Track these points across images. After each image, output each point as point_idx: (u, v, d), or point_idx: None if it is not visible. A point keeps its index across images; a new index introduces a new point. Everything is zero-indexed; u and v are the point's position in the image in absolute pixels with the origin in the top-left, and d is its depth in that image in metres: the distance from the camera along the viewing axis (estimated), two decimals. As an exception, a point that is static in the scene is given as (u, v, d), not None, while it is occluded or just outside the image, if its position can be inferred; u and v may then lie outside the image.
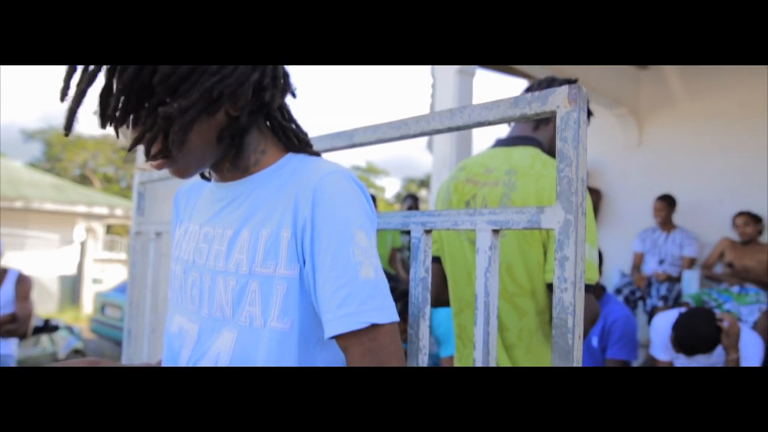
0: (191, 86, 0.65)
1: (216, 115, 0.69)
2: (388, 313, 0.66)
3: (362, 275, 0.66)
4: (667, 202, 3.93)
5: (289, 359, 0.69)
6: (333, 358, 0.73)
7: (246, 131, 0.74)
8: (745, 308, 3.32)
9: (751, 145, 3.81)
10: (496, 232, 0.84)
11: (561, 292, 0.74)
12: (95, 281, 10.34)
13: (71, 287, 10.21)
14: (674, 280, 3.77)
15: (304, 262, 0.68)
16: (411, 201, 4.98)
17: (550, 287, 1.20)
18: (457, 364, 1.38)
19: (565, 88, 0.76)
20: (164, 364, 0.82)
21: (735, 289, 3.49)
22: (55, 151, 20.52)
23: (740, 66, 3.79)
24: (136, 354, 1.55)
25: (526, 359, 1.23)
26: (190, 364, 0.74)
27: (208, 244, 0.75)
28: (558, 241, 0.75)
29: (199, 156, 0.71)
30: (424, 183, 23.36)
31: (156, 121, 0.65)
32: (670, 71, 4.12)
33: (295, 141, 0.79)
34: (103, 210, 10.66)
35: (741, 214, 3.68)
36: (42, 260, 9.76)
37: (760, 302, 3.33)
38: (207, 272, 0.74)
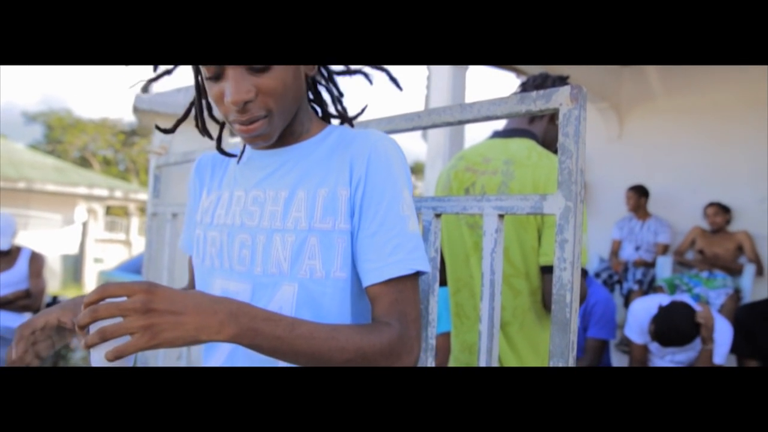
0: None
1: (302, 76, 0.77)
2: (427, 264, 0.75)
3: (410, 228, 0.74)
4: (636, 192, 4.12)
5: (346, 306, 0.76)
6: (368, 306, 0.79)
7: (308, 97, 0.81)
8: (713, 292, 3.51)
9: (722, 141, 4.00)
10: (501, 216, 0.93)
11: (560, 271, 0.83)
12: (96, 260, 10.57)
13: (73, 266, 10.42)
14: (649, 265, 3.96)
15: (353, 215, 0.75)
16: (401, 187, 5.07)
17: (542, 269, 1.30)
18: (454, 339, 1.49)
19: (567, 88, 0.84)
20: None
21: (704, 274, 3.68)
22: (56, 134, 20.73)
23: (714, 67, 3.95)
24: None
25: (519, 335, 1.33)
26: None
27: (260, 206, 0.79)
28: (559, 225, 0.84)
29: (288, 115, 0.76)
30: (413, 170, 23.60)
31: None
32: (650, 70, 4.27)
33: (341, 114, 0.86)
34: (103, 192, 10.91)
35: (711, 204, 3.87)
36: (45, 240, 9.90)
37: (726, 287, 3.53)
38: (261, 232, 0.78)
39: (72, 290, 9.63)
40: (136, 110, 2.18)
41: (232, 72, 0.71)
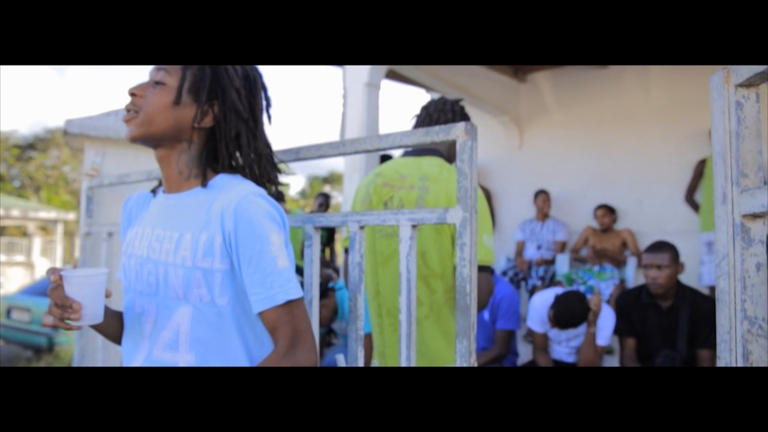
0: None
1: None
2: (298, 291, 0.92)
3: (280, 265, 0.92)
4: (548, 195, 4.59)
5: (229, 327, 0.94)
6: (253, 323, 0.98)
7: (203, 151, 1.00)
8: (603, 283, 4.00)
9: (607, 149, 4.54)
10: (414, 227, 1.15)
11: (461, 268, 1.06)
12: (-8, 285, 9.58)
13: (-33, 291, 9.34)
14: (549, 262, 4.41)
15: (233, 260, 0.93)
16: (322, 198, 5.23)
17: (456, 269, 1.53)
18: (377, 337, 1.68)
19: (462, 125, 1.07)
20: (128, 332, 1.02)
21: (596, 268, 4.17)
22: (-63, 147, 18.32)
23: (597, 83, 4.50)
24: (89, 345, 1.66)
25: (435, 327, 1.55)
26: (155, 334, 0.96)
27: (160, 243, 0.97)
28: (458, 232, 1.06)
29: (150, 128, 0.96)
30: (327, 180, 23.79)
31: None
32: (545, 86, 4.78)
33: (229, 164, 1.02)
34: (-4, 210, 10.02)
35: (600, 206, 4.39)
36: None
37: (614, 278, 4.03)
38: (160, 264, 0.95)
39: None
40: (66, 134, 2.18)
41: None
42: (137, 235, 1.02)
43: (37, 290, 6.45)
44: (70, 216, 12.56)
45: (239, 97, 0.99)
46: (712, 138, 0.75)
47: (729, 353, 0.71)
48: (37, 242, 11.69)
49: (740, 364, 0.69)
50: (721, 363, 0.72)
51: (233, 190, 0.95)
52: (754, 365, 0.68)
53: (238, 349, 0.95)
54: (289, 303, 0.91)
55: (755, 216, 0.69)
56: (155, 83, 0.96)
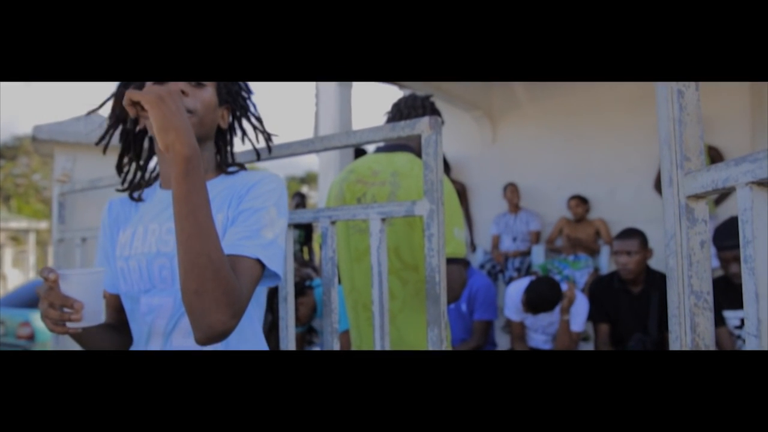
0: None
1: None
2: (273, 263, 0.91)
3: (263, 233, 0.93)
4: (516, 187, 4.68)
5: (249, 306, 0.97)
6: (262, 310, 1.05)
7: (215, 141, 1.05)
8: (578, 272, 4.09)
9: (579, 141, 4.64)
10: (383, 220, 1.17)
11: (430, 258, 1.09)
12: (-41, 296, 9.22)
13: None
14: (525, 254, 4.50)
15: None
16: (299, 198, 5.27)
17: None
18: (354, 331, 1.71)
19: (427, 119, 1.10)
20: (138, 337, 1.01)
21: (571, 257, 4.26)
22: None
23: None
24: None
25: (411, 318, 1.59)
26: (170, 326, 0.96)
27: (173, 236, 0.96)
28: (426, 223, 1.09)
29: (201, 129, 0.99)
30: (305, 180, 23.75)
31: None
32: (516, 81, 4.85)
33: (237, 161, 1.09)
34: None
35: (573, 197, 4.48)
36: None
37: (588, 266, 4.13)
38: (176, 256, 0.92)
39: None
40: (35, 140, 2.15)
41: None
42: (135, 235, 1.01)
43: (9, 302, 6.29)
44: (42, 225, 12.29)
45: (248, 100, 1.11)
46: (658, 125, 0.78)
47: (679, 326, 0.75)
48: (8, 253, 11.36)
49: (689, 336, 0.73)
50: (672, 336, 0.76)
51: (255, 173, 1.01)
52: (701, 337, 0.72)
53: (252, 311, 1.01)
54: (255, 264, 0.88)
55: (698, 197, 0.73)
56: (195, 84, 0.97)
